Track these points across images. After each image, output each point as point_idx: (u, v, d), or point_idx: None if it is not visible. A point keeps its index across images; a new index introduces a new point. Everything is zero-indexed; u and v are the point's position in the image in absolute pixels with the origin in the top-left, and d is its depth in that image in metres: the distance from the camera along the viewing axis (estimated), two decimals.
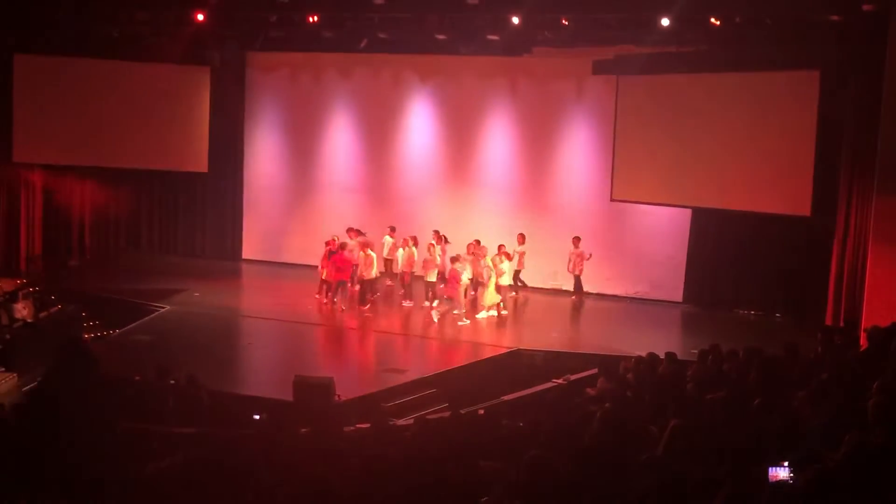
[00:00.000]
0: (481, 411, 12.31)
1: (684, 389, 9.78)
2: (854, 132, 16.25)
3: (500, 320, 18.39)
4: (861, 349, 12.11)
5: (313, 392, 12.88)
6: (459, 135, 21.70)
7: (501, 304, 18.53)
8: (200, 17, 18.68)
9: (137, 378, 13.01)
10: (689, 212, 19.61)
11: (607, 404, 8.95)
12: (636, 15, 17.01)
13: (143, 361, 14.33)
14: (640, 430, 7.67)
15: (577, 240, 19.60)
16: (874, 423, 6.79)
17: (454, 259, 18.11)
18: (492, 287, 18.19)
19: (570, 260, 19.73)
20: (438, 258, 18.92)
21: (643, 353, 12.24)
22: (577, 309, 19.76)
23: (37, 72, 20.63)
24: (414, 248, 19.25)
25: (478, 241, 19.03)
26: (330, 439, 9.57)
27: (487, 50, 19.53)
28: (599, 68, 19.57)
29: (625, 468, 6.21)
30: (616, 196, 19.81)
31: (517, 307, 19.57)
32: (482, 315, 18.32)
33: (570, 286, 20.20)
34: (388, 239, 20.15)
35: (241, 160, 23.20)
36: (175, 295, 19.38)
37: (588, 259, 19.55)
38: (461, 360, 16.18)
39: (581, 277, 19.79)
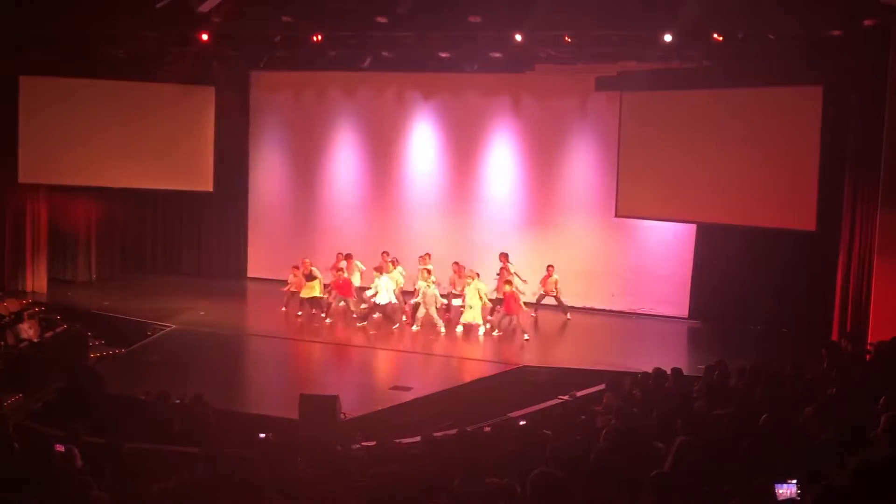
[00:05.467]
0: (487, 428, 12.29)
1: (691, 405, 9.76)
2: (857, 146, 16.24)
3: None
4: (867, 364, 12.08)
5: (319, 410, 12.85)
6: (463, 152, 21.74)
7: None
8: (205, 37, 18.76)
9: (143, 398, 13.03)
10: (693, 227, 19.62)
11: (613, 420, 8.93)
12: (638, 31, 17.02)
13: (148, 381, 14.37)
14: (647, 446, 7.66)
15: (551, 268, 19.65)
16: (888, 438, 6.72)
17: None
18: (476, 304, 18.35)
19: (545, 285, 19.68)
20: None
21: (649, 369, 12.22)
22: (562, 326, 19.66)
23: (42, 93, 20.70)
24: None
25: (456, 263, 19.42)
26: (335, 458, 9.56)
27: (490, 67, 19.56)
28: (602, 85, 19.60)
29: (632, 485, 6.20)
30: (620, 212, 19.81)
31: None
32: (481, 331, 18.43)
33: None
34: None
35: (245, 179, 23.28)
36: (181, 314, 19.41)
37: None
38: (467, 377, 16.15)
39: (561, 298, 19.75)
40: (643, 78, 18.71)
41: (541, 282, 19.73)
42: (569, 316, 19.72)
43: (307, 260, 19.69)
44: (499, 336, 18.27)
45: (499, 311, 18.37)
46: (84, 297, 21.25)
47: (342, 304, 19.46)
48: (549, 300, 19.76)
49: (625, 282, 20.47)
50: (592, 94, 20.09)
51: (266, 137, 23.25)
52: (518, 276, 18.92)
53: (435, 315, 18.57)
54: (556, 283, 19.65)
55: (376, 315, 19.25)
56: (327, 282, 19.72)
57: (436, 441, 9.83)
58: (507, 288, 18.12)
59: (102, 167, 21.24)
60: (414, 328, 18.73)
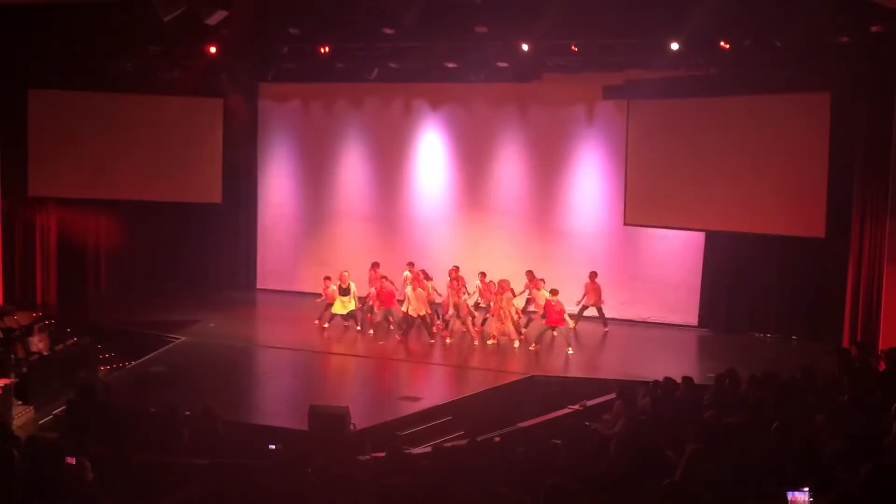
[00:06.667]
0: (497, 438, 12.27)
1: (702, 414, 9.73)
2: (866, 153, 16.22)
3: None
4: (878, 371, 12.04)
5: (328, 421, 12.85)
6: (471, 162, 21.75)
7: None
8: (213, 49, 18.86)
9: (153, 410, 13.05)
10: (702, 235, 19.57)
11: (624, 430, 8.91)
12: (645, 39, 17.04)
13: (158, 393, 14.39)
14: (658, 455, 7.63)
15: (594, 274, 19.40)
16: None
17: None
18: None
19: (585, 293, 19.36)
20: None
21: (660, 378, 12.20)
22: (602, 337, 19.48)
23: (51, 106, 20.76)
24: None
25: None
26: (345, 469, 9.54)
27: (497, 77, 19.59)
28: (610, 93, 19.61)
29: (643, 494, 6.18)
30: (629, 220, 19.79)
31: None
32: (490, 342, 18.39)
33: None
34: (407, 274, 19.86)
35: (254, 190, 23.33)
36: (190, 326, 19.42)
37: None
38: (476, 387, 16.12)
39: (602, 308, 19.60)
40: (650, 86, 18.70)
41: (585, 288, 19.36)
42: (607, 328, 19.48)
43: (346, 273, 19.24)
44: (509, 346, 18.26)
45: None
46: (94, 309, 21.30)
47: (389, 317, 19.14)
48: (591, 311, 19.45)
49: (634, 290, 20.40)
50: (599, 102, 20.10)
51: (274, 149, 23.30)
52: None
53: (471, 327, 18.53)
54: (598, 289, 19.27)
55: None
56: (362, 294, 19.57)
57: (446, 451, 9.80)
58: (554, 298, 17.90)
59: (111, 180, 21.30)
60: (448, 340, 18.62)
